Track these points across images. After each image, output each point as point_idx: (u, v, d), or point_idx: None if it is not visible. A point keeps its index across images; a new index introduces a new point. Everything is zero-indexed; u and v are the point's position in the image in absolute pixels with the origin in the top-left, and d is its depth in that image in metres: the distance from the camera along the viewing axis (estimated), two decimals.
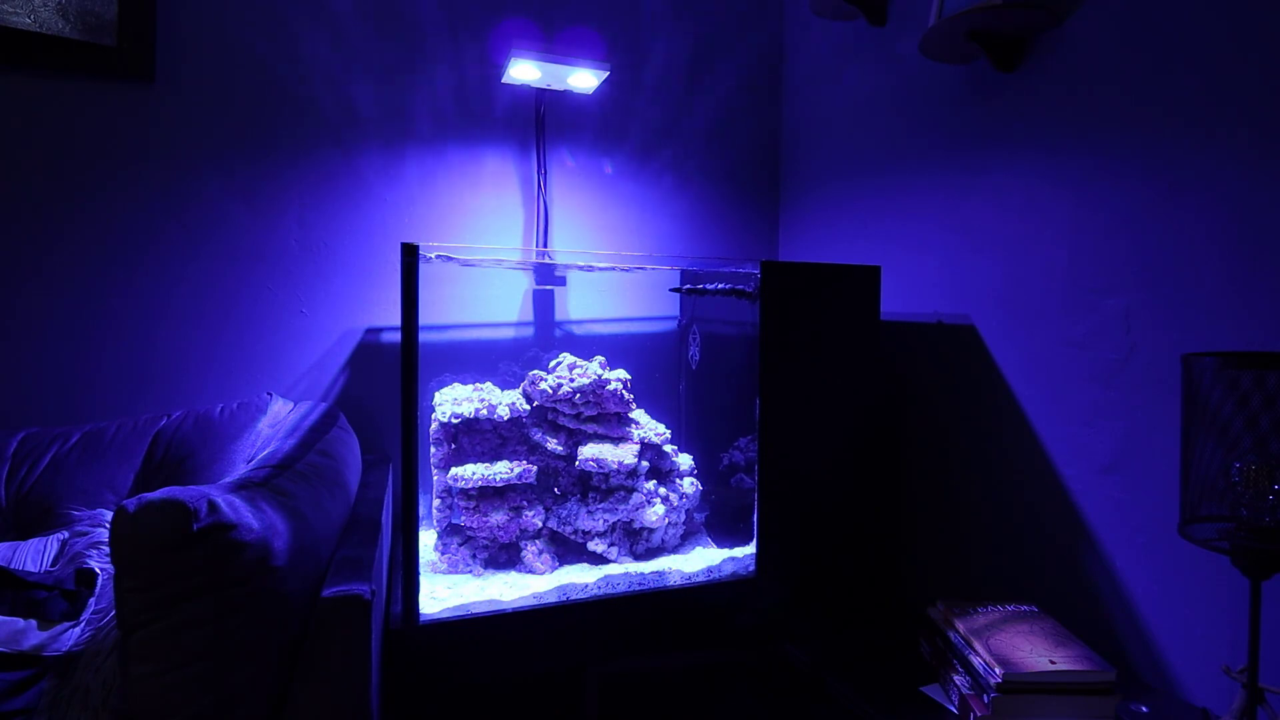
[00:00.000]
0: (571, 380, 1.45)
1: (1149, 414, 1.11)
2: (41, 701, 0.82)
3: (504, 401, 1.43)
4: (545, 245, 1.80)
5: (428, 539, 1.46)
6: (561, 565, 1.41)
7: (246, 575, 0.75)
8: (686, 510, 1.53)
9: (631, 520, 1.43)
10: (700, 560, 1.44)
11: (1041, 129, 1.27)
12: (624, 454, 1.42)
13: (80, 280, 1.45)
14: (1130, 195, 1.13)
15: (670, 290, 1.88)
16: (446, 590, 1.29)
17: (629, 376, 1.52)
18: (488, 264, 1.72)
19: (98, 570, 1.00)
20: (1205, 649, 1.04)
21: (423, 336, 1.19)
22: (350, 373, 1.65)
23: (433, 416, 1.44)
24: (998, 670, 0.95)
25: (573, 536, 1.42)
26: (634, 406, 1.53)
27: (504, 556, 1.42)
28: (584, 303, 1.85)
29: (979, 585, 1.41)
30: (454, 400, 1.43)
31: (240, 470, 1.09)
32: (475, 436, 1.45)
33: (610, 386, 1.47)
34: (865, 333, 1.39)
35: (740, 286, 1.48)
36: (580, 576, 1.35)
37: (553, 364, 1.52)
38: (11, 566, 0.99)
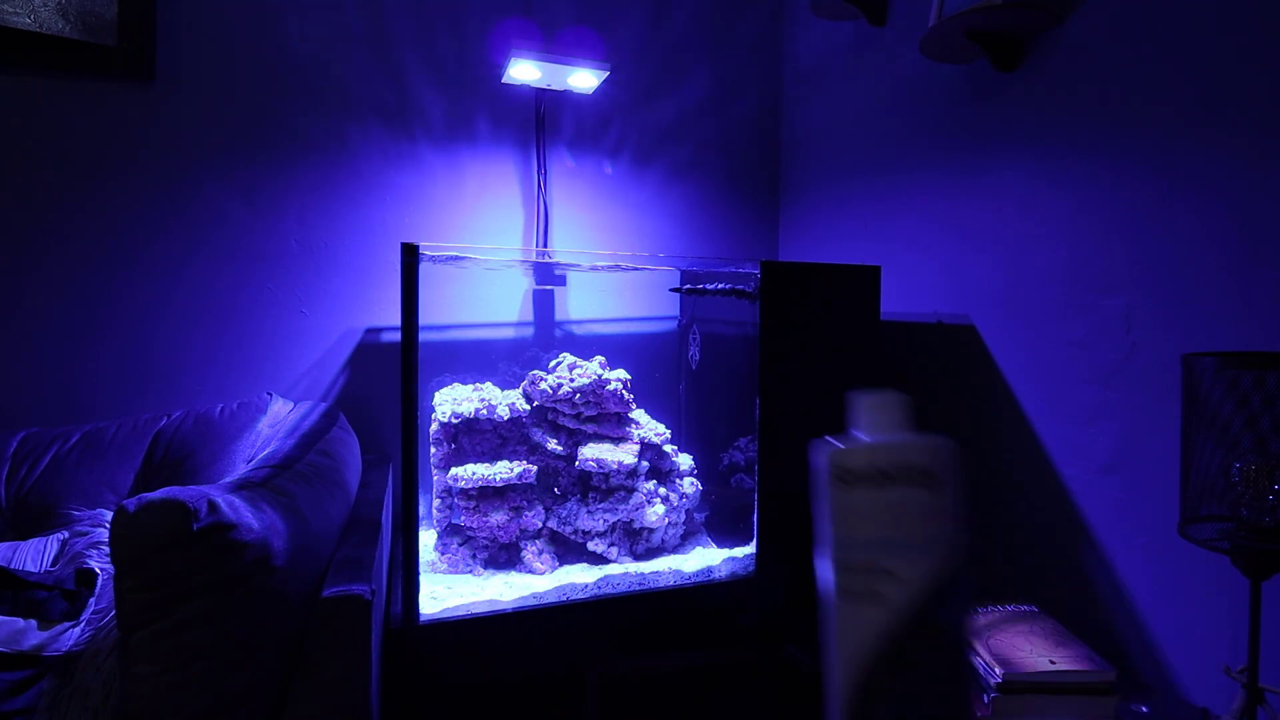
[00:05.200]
0: (571, 380, 1.45)
1: (1149, 414, 1.11)
2: (41, 701, 0.82)
3: (504, 401, 1.43)
4: (545, 245, 1.80)
5: (428, 539, 1.46)
6: (561, 565, 1.41)
7: (246, 575, 0.75)
8: (686, 510, 1.53)
9: (631, 520, 1.43)
10: (700, 560, 1.44)
11: (1041, 129, 1.27)
12: (624, 454, 1.42)
13: (80, 280, 1.45)
14: (1130, 195, 1.13)
15: (670, 290, 1.88)
16: (446, 590, 1.29)
17: (629, 376, 1.52)
18: (488, 264, 1.72)
19: (98, 570, 1.00)
20: (1205, 649, 1.04)
21: (423, 336, 1.19)
22: (350, 373, 1.65)
23: (433, 416, 1.44)
24: (998, 670, 0.95)
25: (573, 536, 1.42)
26: (634, 406, 1.53)
27: (504, 556, 1.42)
28: (584, 303, 1.85)
29: (979, 585, 1.40)
30: (454, 400, 1.43)
31: (240, 470, 1.09)
32: (475, 436, 1.45)
33: (610, 386, 1.47)
34: (865, 333, 1.39)
35: (740, 286, 1.48)
36: (580, 576, 1.35)
37: (553, 364, 1.52)
38: (11, 566, 0.99)
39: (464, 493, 1.39)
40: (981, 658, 0.99)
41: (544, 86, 1.69)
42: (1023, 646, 1.00)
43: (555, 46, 1.62)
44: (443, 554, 1.39)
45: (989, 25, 1.24)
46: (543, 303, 1.81)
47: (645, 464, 1.48)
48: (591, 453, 1.42)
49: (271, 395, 1.43)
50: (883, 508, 0.34)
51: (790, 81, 2.04)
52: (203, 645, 0.72)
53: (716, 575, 1.37)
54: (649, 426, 1.54)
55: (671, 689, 1.38)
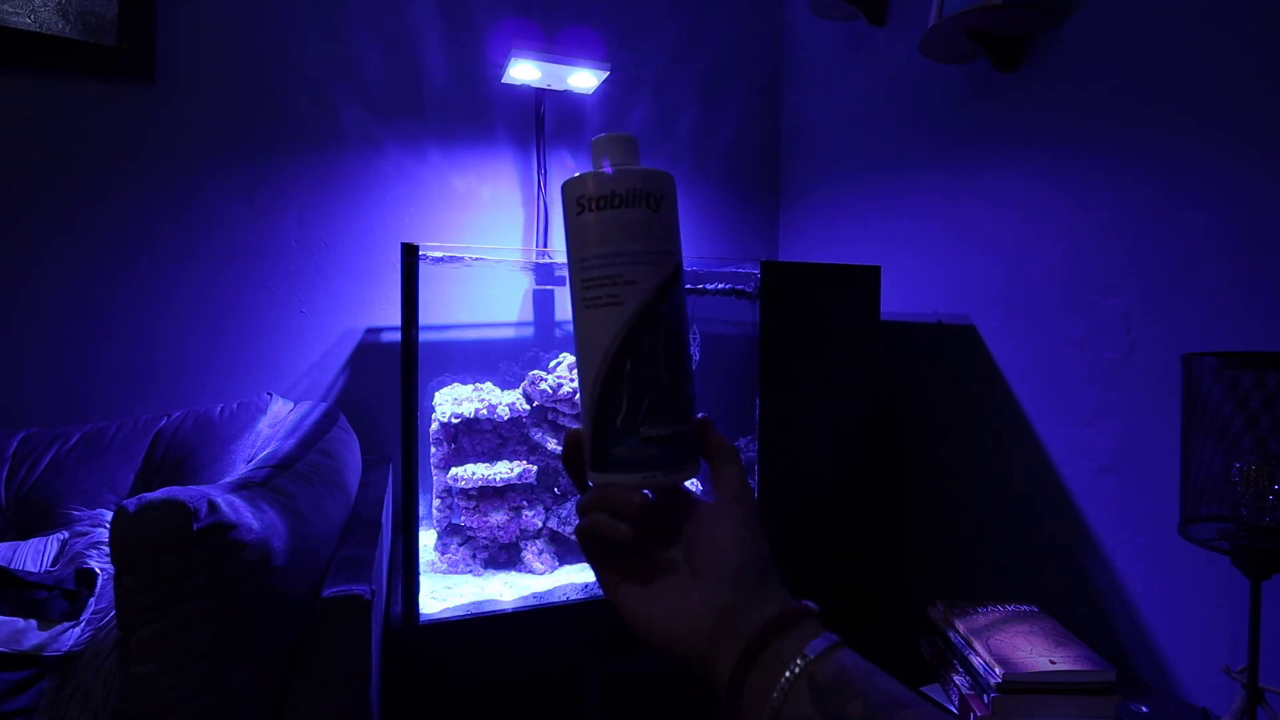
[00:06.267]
0: (571, 380, 1.45)
1: (1149, 414, 1.11)
2: (41, 701, 0.82)
3: (504, 401, 1.43)
4: (545, 245, 1.79)
5: (428, 539, 1.46)
6: (561, 565, 1.41)
7: (246, 575, 0.74)
8: None
9: None
10: None
11: (1041, 129, 1.27)
12: None
13: (80, 280, 1.45)
14: (1130, 195, 1.13)
15: None
16: (446, 590, 1.30)
17: None
18: (487, 264, 1.71)
19: (98, 570, 1.00)
20: (1205, 649, 1.04)
21: (423, 336, 1.19)
22: (350, 373, 1.65)
23: (433, 416, 1.44)
24: (998, 670, 0.95)
25: (573, 536, 1.42)
26: None
27: (504, 556, 1.42)
28: None
29: (979, 585, 1.41)
30: (454, 400, 1.43)
31: (240, 470, 1.09)
32: (475, 436, 1.45)
33: None
34: (865, 333, 1.39)
35: (740, 286, 1.48)
36: (580, 576, 1.35)
37: (553, 364, 1.52)
38: (11, 566, 0.98)
39: (464, 493, 1.39)
40: (981, 658, 0.99)
41: (544, 86, 1.69)
42: (1023, 646, 1.00)
43: (555, 46, 1.61)
44: (443, 554, 1.39)
45: (989, 25, 1.24)
46: (543, 303, 1.81)
47: None
48: None
49: (271, 395, 1.43)
50: (621, 226, 0.40)
51: (790, 81, 2.04)
52: (203, 645, 0.72)
53: None
54: None
55: (671, 688, 1.38)
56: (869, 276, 1.39)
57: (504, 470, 1.38)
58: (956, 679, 1.03)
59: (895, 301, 1.61)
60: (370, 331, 1.67)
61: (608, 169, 0.42)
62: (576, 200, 0.41)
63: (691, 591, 0.39)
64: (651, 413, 0.40)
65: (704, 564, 0.39)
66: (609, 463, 0.40)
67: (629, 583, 0.42)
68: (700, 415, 0.43)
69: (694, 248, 1.98)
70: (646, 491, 0.40)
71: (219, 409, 1.35)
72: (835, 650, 0.36)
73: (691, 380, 0.42)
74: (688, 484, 0.43)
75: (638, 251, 0.40)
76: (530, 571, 1.37)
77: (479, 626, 1.19)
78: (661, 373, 0.40)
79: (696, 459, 0.42)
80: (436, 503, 1.45)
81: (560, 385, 1.45)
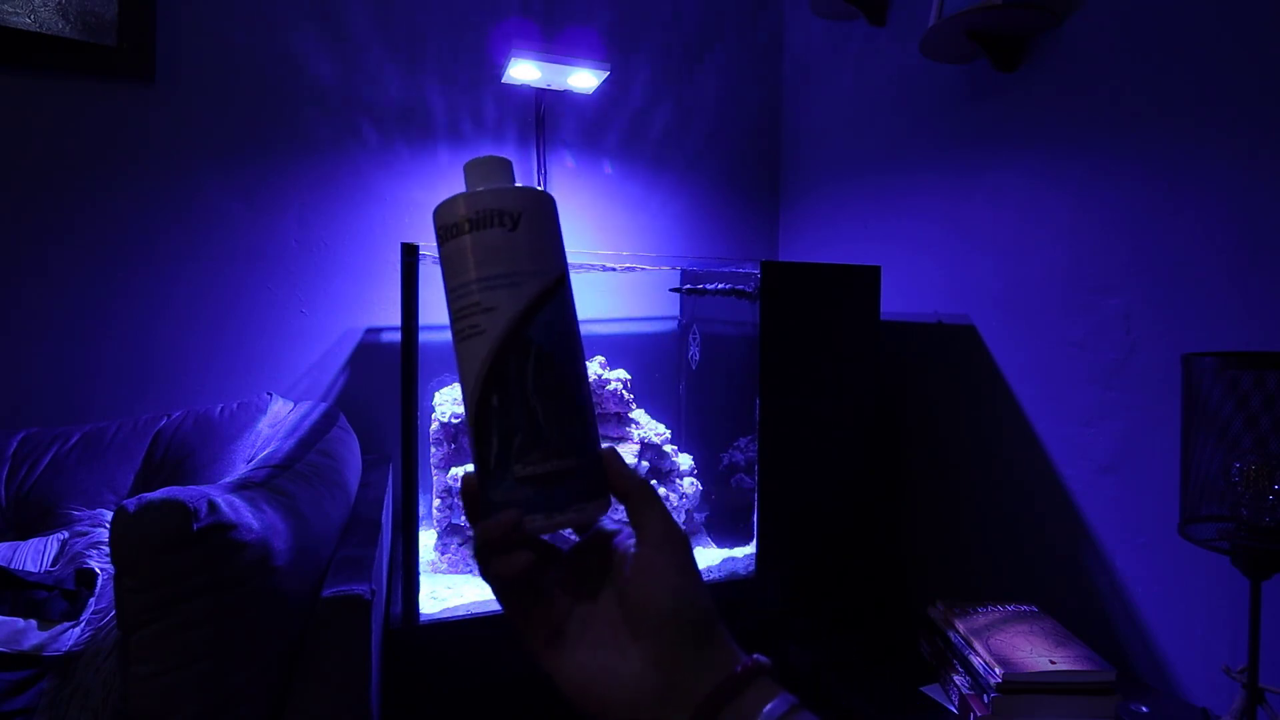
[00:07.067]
0: None
1: (1149, 414, 1.11)
2: (41, 701, 0.82)
3: None
4: None
5: (428, 539, 1.46)
6: None
7: (246, 575, 0.74)
8: (687, 510, 1.53)
9: None
10: (700, 560, 1.44)
11: (1041, 129, 1.27)
12: (624, 454, 1.42)
13: (80, 280, 1.45)
14: (1130, 195, 1.13)
15: (670, 290, 1.88)
16: (446, 590, 1.30)
17: (629, 376, 1.52)
18: None
19: (98, 570, 1.00)
20: (1205, 649, 1.04)
21: (423, 336, 1.19)
22: (350, 373, 1.65)
23: (433, 416, 1.44)
24: (998, 670, 0.95)
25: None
26: (634, 406, 1.53)
27: None
28: (584, 303, 1.84)
29: (979, 585, 1.40)
30: (454, 400, 1.43)
31: (240, 470, 1.09)
32: None
33: (610, 386, 1.47)
34: (865, 333, 1.39)
35: (740, 286, 1.48)
36: None
37: None
38: (11, 566, 0.98)
39: None
40: (981, 658, 0.99)
41: (544, 86, 1.69)
42: (1023, 646, 1.00)
43: (555, 46, 1.61)
44: (443, 554, 1.39)
45: (989, 25, 1.24)
46: None
47: (645, 464, 1.48)
48: None
49: (271, 395, 1.43)
50: (475, 251, 0.37)
51: (790, 81, 2.04)
52: (203, 645, 0.72)
53: (716, 575, 1.37)
54: (649, 426, 1.54)
55: None
56: (869, 276, 1.39)
57: None
58: (956, 679, 1.03)
59: (895, 301, 1.61)
60: (370, 331, 1.67)
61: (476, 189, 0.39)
62: (438, 232, 0.38)
63: (628, 649, 0.35)
64: (525, 449, 0.36)
65: (638, 619, 0.35)
66: (488, 509, 0.37)
67: (557, 642, 0.38)
68: (605, 447, 0.39)
69: (694, 248, 1.98)
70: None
71: (219, 409, 1.35)
72: (794, 714, 0.32)
73: (584, 409, 0.38)
74: (611, 526, 0.40)
75: (496, 275, 0.36)
76: None
77: (479, 626, 1.19)
78: (534, 403, 0.36)
79: (599, 497, 0.38)
80: (436, 503, 1.45)
81: None
